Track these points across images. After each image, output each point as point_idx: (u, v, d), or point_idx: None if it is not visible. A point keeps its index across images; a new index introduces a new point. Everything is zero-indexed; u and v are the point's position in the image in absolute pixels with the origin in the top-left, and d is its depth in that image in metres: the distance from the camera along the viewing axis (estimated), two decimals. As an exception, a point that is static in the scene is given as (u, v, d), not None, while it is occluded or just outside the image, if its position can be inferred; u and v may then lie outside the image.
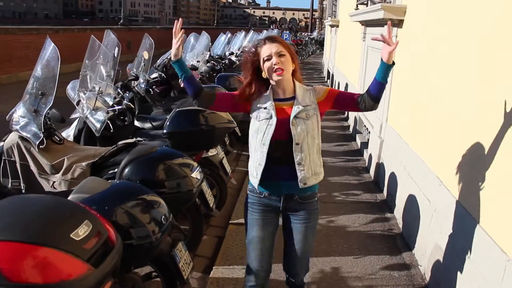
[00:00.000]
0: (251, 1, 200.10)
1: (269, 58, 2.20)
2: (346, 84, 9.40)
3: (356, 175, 5.68)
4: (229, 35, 10.53)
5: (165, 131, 3.65)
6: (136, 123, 4.88)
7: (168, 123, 3.62)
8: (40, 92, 3.42)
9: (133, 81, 5.94)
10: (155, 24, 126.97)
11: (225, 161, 4.35)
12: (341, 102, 2.41)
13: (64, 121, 3.68)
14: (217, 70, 9.62)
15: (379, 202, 4.84)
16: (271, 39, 2.26)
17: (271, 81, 2.25)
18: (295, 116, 2.23)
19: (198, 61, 7.77)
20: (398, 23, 4.90)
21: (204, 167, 4.04)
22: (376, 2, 5.23)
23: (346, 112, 9.04)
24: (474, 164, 2.74)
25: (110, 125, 4.22)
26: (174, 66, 2.31)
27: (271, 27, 43.13)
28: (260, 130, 2.25)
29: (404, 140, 4.50)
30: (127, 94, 5.72)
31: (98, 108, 4.22)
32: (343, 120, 8.82)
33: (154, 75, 6.97)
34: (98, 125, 4.10)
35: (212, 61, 9.25)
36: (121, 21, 20.30)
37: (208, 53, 9.81)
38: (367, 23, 6.86)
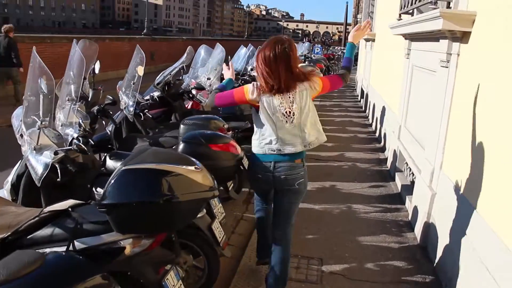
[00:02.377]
0: (284, 14, 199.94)
1: None
2: (383, 108, 8.05)
3: (397, 233, 4.34)
4: (251, 48, 9.36)
5: (102, 201, 2.17)
6: (109, 162, 3.73)
7: (107, 189, 2.17)
8: None
9: (123, 103, 4.84)
10: (189, 35, 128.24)
11: (216, 225, 3.12)
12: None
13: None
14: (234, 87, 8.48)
15: (429, 284, 3.50)
16: (276, 40, 2.77)
17: None
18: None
19: (208, 78, 6.61)
20: (462, 37, 3.59)
21: (185, 235, 2.86)
22: (430, 8, 3.94)
23: (383, 142, 7.70)
24: None
25: (59, 170, 3.04)
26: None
27: (304, 40, 41.94)
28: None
29: (470, 201, 3.18)
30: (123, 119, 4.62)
31: (43, 146, 3.08)
32: (379, 151, 7.46)
33: (154, 94, 5.83)
34: (39, 171, 2.96)
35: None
36: (145, 30, 19.48)
37: (240, 69, 8.71)
38: (412, 37, 5.55)
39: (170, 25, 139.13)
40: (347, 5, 42.54)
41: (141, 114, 4.86)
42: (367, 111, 11.13)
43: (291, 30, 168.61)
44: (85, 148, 3.14)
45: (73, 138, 3.30)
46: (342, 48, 36.20)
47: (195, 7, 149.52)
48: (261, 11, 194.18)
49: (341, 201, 5.11)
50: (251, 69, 9.51)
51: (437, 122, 4.04)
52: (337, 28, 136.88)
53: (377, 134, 8.60)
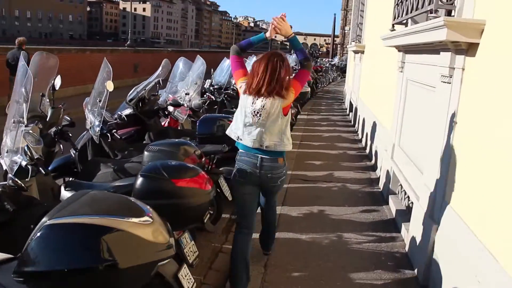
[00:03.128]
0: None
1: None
2: (374, 123, 7.62)
3: (393, 268, 3.86)
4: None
5: (19, 267, 1.61)
6: (64, 193, 3.21)
7: (26, 251, 1.62)
8: None
9: (88, 123, 4.33)
10: (177, 46, 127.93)
11: (183, 273, 2.60)
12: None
13: None
14: (217, 102, 8.02)
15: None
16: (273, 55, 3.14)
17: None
18: None
19: (187, 94, 6.12)
20: (468, 49, 3.16)
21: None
22: (430, 17, 3.51)
23: (374, 159, 7.25)
24: None
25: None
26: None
27: (291, 52, 41.66)
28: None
29: (480, 239, 2.72)
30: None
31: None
32: (370, 170, 7.01)
33: (125, 111, 5.32)
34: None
35: (208, 93, 7.63)
36: (128, 42, 18.97)
37: (208, 81, 8.25)
38: (407, 49, 5.14)
39: (158, 37, 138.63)
40: (334, 17, 42.26)
41: (108, 134, 4.35)
42: (356, 125, 10.71)
43: (279, 42, 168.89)
44: (22, 185, 2.61)
45: (6, 173, 2.79)
46: (330, 60, 36.06)
47: (183, 19, 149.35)
48: (249, 23, 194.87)
49: (330, 229, 4.63)
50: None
51: (438, 143, 3.60)
52: (325, 40, 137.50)
53: (367, 151, 8.16)
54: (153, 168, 2.51)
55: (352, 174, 6.72)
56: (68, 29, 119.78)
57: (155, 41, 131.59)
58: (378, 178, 6.41)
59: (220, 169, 5.08)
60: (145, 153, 3.30)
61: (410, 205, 4.64)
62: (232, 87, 8.59)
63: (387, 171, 5.65)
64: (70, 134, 3.87)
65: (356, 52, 12.40)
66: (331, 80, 26.14)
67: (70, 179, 4.17)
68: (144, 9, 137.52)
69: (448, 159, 3.40)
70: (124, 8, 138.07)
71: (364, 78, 10.52)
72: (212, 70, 8.53)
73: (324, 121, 11.88)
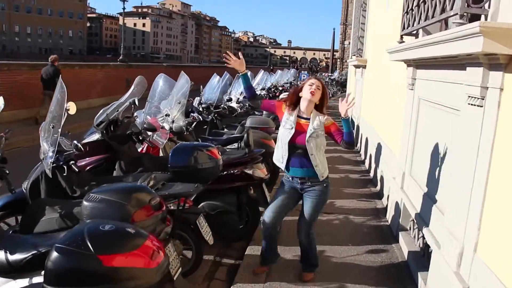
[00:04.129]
0: (272, 41, 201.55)
1: (311, 84, 3.53)
2: (379, 145, 6.90)
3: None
4: (227, 76, 8.23)
5: None
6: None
7: None
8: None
9: (41, 152, 3.63)
10: (177, 61, 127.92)
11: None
12: (333, 135, 3.56)
13: None
14: (207, 123, 7.33)
15: None
16: (317, 78, 3.78)
17: (302, 98, 3.56)
18: (310, 136, 3.45)
19: (167, 115, 5.41)
20: (507, 64, 2.45)
21: None
22: (455, 23, 2.81)
23: (379, 185, 6.52)
24: None
25: None
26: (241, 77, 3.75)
27: (290, 67, 41.23)
28: (285, 134, 3.53)
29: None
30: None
31: None
32: (376, 197, 6.26)
33: (93, 137, 4.61)
34: None
35: (196, 112, 6.93)
36: (120, 57, 18.34)
37: (197, 99, 7.57)
38: (418, 63, 4.44)
39: (158, 52, 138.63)
40: (334, 32, 41.93)
41: (64, 167, 3.62)
42: (358, 145, 9.99)
43: (278, 57, 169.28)
44: None
45: None
46: (330, 74, 35.49)
47: (183, 34, 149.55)
48: (248, 38, 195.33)
49: (333, 277, 3.87)
50: (228, 100, 8.38)
51: (466, 180, 2.88)
52: (324, 55, 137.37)
53: (371, 175, 7.42)
54: (74, 237, 1.76)
55: (355, 203, 5.97)
56: (68, 44, 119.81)
57: (155, 56, 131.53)
58: (385, 208, 5.67)
59: (201, 205, 4.37)
60: (83, 203, 2.54)
61: (424, 245, 3.91)
62: (223, 105, 7.90)
63: (397, 203, 4.91)
64: (7, 171, 3.15)
65: (357, 66, 11.74)
66: (331, 95, 25.45)
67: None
68: (144, 25, 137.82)
69: (481, 201, 2.68)
70: (124, 24, 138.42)
71: (366, 94, 9.83)
72: (201, 87, 7.85)
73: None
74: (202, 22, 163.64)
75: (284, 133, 3.52)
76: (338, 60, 41.36)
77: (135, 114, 5.47)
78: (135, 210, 2.43)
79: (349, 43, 29.65)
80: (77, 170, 3.66)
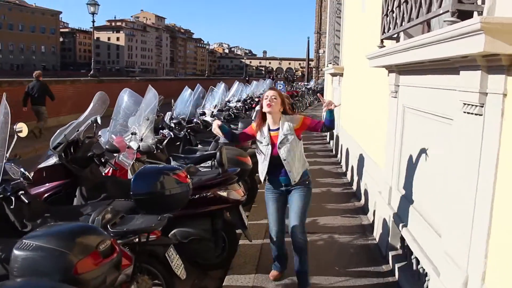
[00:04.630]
0: (247, 52, 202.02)
1: (266, 98, 3.68)
2: (361, 156, 6.58)
3: None
4: (199, 89, 7.82)
5: None
6: None
7: None
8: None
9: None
10: (152, 75, 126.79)
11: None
12: (311, 128, 3.77)
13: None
14: (180, 139, 6.92)
15: None
16: (272, 88, 4.03)
17: (266, 113, 3.71)
18: (280, 142, 3.62)
19: (134, 133, 4.98)
20: (509, 67, 2.13)
21: None
22: (446, 21, 2.49)
23: (363, 199, 6.18)
24: None
25: None
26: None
27: (265, 77, 40.98)
28: (263, 151, 3.69)
29: None
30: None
31: None
32: (360, 212, 5.92)
33: (50, 161, 4.15)
34: None
35: (167, 128, 6.51)
36: (91, 72, 17.76)
37: (169, 114, 7.17)
38: (401, 69, 4.14)
39: (133, 66, 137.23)
40: (308, 41, 41.80)
41: (12, 197, 3.17)
42: (338, 155, 9.69)
43: (254, 67, 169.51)
44: None
45: None
46: (306, 83, 35.35)
47: (158, 47, 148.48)
48: (223, 49, 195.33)
49: (319, 308, 3.50)
50: (202, 114, 7.99)
51: (465, 198, 2.55)
52: (300, 64, 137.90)
53: (354, 187, 7.09)
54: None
55: (339, 219, 5.62)
56: (41, 60, 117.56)
57: (130, 70, 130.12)
58: (372, 225, 5.33)
59: (172, 232, 3.94)
60: (14, 252, 2.08)
61: (420, 269, 3.56)
62: (196, 119, 7.49)
63: (384, 220, 4.57)
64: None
65: (333, 75, 11.49)
66: (308, 105, 25.26)
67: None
68: (118, 38, 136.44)
69: (487, 223, 2.34)
70: (98, 38, 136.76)
71: (345, 103, 9.54)
72: (172, 101, 7.43)
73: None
74: (177, 34, 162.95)
75: (263, 150, 3.70)
76: (314, 69, 41.39)
77: (99, 133, 5.05)
78: (78, 259, 1.99)
79: (324, 51, 29.62)
80: (27, 201, 3.20)
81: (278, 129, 3.67)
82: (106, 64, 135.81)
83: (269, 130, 3.69)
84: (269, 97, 3.66)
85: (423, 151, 3.57)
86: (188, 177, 3.22)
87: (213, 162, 5.09)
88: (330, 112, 3.63)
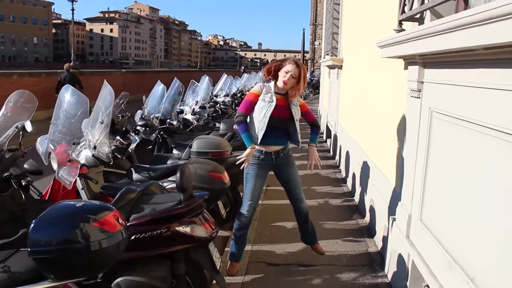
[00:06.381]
0: (242, 44, 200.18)
1: (287, 72, 3.51)
2: (365, 164, 5.52)
3: None
4: (176, 83, 6.70)
5: None
6: None
7: None
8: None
9: None
10: (146, 67, 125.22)
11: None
12: (304, 114, 3.77)
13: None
14: (151, 142, 5.86)
15: None
16: (298, 64, 3.58)
17: (278, 79, 3.58)
18: (292, 103, 3.60)
19: (74, 143, 3.88)
20: None
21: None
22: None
23: (368, 215, 5.13)
24: None
25: None
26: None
27: (261, 69, 39.74)
28: (264, 107, 3.52)
29: None
30: None
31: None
32: (365, 235, 4.86)
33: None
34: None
35: (133, 132, 5.45)
36: (71, 63, 16.57)
37: (139, 113, 6.12)
38: (428, 60, 3.06)
39: (127, 58, 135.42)
40: (303, 32, 40.51)
41: None
42: (337, 158, 8.62)
43: (249, 60, 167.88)
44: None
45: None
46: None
47: (152, 39, 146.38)
48: (218, 41, 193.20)
49: None
50: (179, 112, 6.91)
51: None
52: (295, 56, 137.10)
53: (356, 199, 6.04)
54: None
55: (341, 245, 4.57)
56: (33, 51, 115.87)
57: (124, 62, 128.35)
58: (380, 254, 4.29)
59: (116, 282, 2.87)
60: None
61: None
62: (171, 119, 6.40)
63: (400, 256, 3.52)
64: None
65: (331, 67, 10.43)
66: (303, 98, 24.22)
67: None
68: (111, 30, 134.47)
69: None
70: (91, 30, 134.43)
71: (344, 99, 8.47)
72: (144, 97, 6.33)
73: (297, 152, 9.75)
74: (171, 26, 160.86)
75: (264, 107, 3.55)
76: (309, 61, 40.27)
77: (37, 141, 4.00)
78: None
79: (320, 43, 28.53)
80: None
81: (284, 95, 3.64)
82: (99, 56, 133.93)
83: (276, 92, 3.63)
84: (289, 75, 3.53)
85: (462, 174, 2.51)
86: (120, 220, 2.14)
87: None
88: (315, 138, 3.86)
